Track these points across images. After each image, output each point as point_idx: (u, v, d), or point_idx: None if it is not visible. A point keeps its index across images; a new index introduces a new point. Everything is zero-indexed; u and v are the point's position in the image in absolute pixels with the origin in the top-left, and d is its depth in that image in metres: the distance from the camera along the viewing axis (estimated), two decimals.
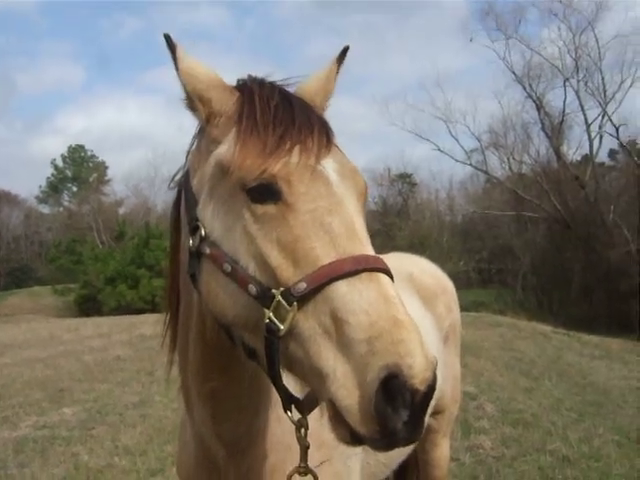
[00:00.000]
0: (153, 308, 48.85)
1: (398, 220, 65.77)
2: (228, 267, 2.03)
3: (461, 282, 50.00)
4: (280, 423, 2.51)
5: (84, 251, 61.40)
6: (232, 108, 2.17)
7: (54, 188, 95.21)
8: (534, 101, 50.05)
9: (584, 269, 44.81)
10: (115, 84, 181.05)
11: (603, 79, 46.48)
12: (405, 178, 75.17)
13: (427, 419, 1.75)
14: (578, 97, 47.70)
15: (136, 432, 9.65)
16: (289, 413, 2.01)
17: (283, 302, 1.84)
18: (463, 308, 5.07)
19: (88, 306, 54.76)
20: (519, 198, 50.33)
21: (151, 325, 24.93)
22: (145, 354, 17.77)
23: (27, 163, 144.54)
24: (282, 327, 1.83)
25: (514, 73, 50.28)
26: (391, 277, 1.87)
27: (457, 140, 54.70)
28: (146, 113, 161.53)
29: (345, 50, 2.55)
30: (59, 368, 16.17)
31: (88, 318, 42.07)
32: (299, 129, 2.03)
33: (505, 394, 11.78)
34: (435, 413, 4.21)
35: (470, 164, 55.55)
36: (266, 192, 1.95)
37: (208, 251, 2.14)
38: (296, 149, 1.98)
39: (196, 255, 2.17)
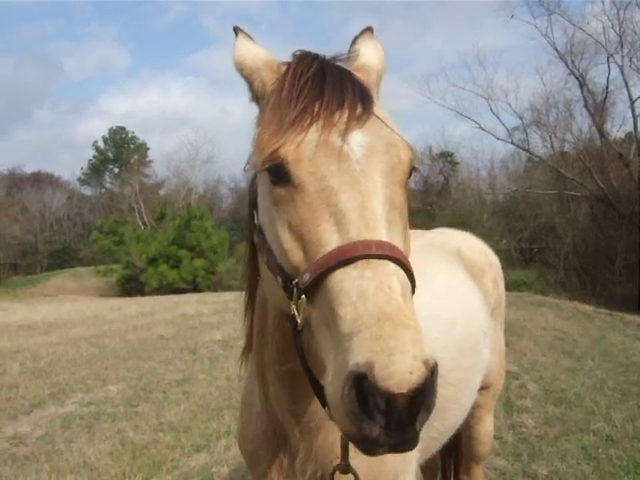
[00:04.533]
0: (194, 288, 49.54)
1: (439, 199, 65.40)
2: (265, 257, 2.04)
3: (502, 261, 48.40)
4: None
5: (126, 232, 62.13)
6: (271, 87, 2.15)
7: (96, 170, 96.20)
8: (577, 78, 49.15)
9: (627, 248, 44.18)
10: (159, 67, 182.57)
11: None
12: (446, 157, 74.66)
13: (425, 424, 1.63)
14: (622, 73, 46.65)
15: (180, 409, 9.78)
16: (326, 408, 1.82)
17: (295, 294, 1.81)
18: (505, 287, 5.03)
19: (130, 286, 55.54)
20: (561, 177, 49.63)
21: (193, 304, 25.28)
22: (188, 333, 17.99)
23: (71, 145, 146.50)
24: (299, 320, 1.81)
25: (556, 50, 49.27)
26: (401, 263, 1.76)
27: (499, 118, 54.01)
28: (189, 95, 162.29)
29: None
30: (104, 347, 16.41)
31: (131, 298, 42.58)
32: (326, 103, 1.94)
33: (548, 373, 11.72)
34: (481, 388, 4.19)
35: (512, 142, 54.88)
36: (278, 173, 1.90)
37: (256, 240, 2.16)
38: (316, 125, 1.90)
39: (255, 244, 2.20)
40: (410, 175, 2.07)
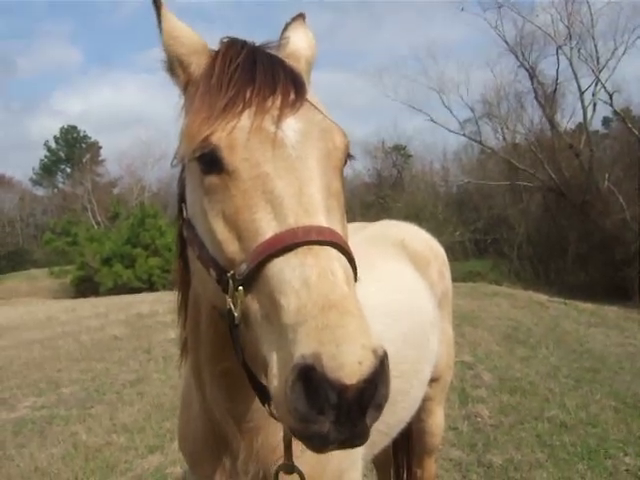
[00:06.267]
0: (150, 287, 49.11)
1: (393, 192, 65.68)
2: (197, 250, 1.97)
3: (457, 253, 49.99)
4: None
5: (79, 232, 61.26)
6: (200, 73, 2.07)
7: (48, 170, 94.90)
8: (527, 70, 49.70)
9: (580, 237, 44.82)
10: (113, 65, 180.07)
11: (596, 46, 45.91)
12: (399, 150, 75.00)
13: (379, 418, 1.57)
14: (571, 65, 47.27)
15: (134, 410, 9.67)
16: (266, 406, 1.82)
17: (232, 286, 1.74)
18: (460, 279, 5.03)
19: (85, 287, 54.77)
20: (513, 168, 50.15)
21: (148, 304, 25.01)
22: (142, 332, 17.80)
23: (24, 146, 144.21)
24: (236, 314, 1.74)
25: (506, 42, 49.79)
26: (342, 249, 1.72)
27: (450, 111, 54.57)
28: (144, 93, 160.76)
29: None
30: (57, 349, 16.15)
31: (85, 299, 42.07)
32: (257, 89, 1.89)
33: (502, 363, 11.79)
34: (431, 380, 4.19)
35: (464, 134, 55.39)
36: (210, 161, 1.84)
37: (186, 234, 2.10)
38: (248, 111, 1.85)
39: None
40: (346, 162, 2.04)
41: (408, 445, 4.85)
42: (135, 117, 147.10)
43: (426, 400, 4.26)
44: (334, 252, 1.68)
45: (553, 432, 7.89)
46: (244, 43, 2.09)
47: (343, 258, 1.71)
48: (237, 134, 1.82)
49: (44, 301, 48.05)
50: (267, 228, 1.72)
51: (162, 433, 8.44)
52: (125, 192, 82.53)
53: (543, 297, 24.10)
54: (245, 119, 1.84)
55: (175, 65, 2.15)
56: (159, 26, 2.12)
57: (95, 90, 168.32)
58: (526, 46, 49.09)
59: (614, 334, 15.20)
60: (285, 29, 2.44)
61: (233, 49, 2.03)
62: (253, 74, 1.93)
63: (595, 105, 48.11)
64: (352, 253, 1.78)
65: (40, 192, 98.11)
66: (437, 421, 4.64)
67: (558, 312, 19.45)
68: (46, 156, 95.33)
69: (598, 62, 45.76)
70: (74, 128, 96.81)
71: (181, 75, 2.15)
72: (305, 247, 1.65)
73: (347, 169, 2.10)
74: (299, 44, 2.36)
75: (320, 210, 1.76)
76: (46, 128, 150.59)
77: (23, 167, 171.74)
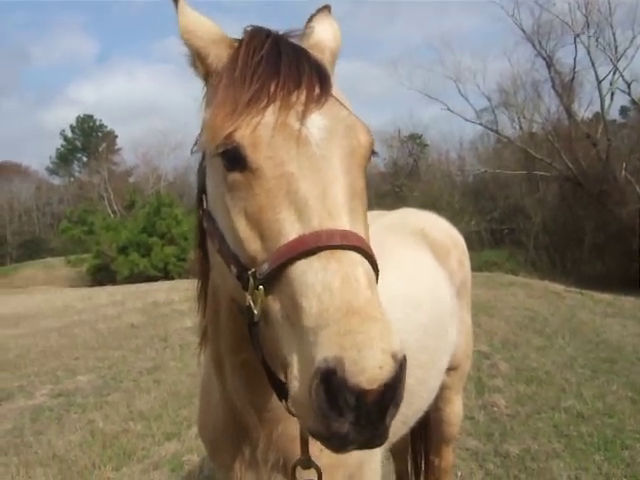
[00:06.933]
0: (165, 275, 49.33)
1: (409, 181, 65.56)
2: (217, 244, 1.95)
3: (473, 242, 49.73)
4: None
5: (95, 221, 61.54)
6: (223, 65, 2.02)
7: (64, 159, 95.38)
8: (544, 59, 49.43)
9: (596, 227, 44.66)
10: (128, 54, 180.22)
11: (614, 35, 45.63)
12: (415, 139, 74.82)
13: (395, 420, 1.58)
14: (589, 54, 46.97)
15: (151, 397, 9.72)
16: (284, 402, 1.81)
17: (252, 284, 1.73)
18: (476, 268, 4.98)
19: (101, 275, 55.12)
20: (530, 157, 49.97)
21: (164, 292, 25.11)
22: (159, 320, 17.88)
23: (41, 136, 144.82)
24: (256, 312, 1.72)
25: (523, 30, 49.55)
26: (365, 253, 1.69)
27: (467, 99, 54.49)
28: (160, 82, 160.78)
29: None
30: (74, 337, 16.28)
31: (102, 287, 42.32)
32: (282, 83, 1.84)
33: (519, 353, 11.76)
34: (449, 369, 4.17)
35: (480, 123, 55.27)
36: (233, 158, 1.80)
37: (206, 225, 2.07)
38: (273, 107, 1.80)
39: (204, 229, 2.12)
40: (369, 159, 1.99)
41: (426, 434, 4.83)
42: (151, 106, 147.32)
43: (444, 389, 4.24)
44: (357, 257, 1.66)
45: (570, 422, 7.87)
46: (268, 32, 2.03)
47: (366, 262, 1.69)
48: (261, 131, 1.78)
49: (61, 289, 48.42)
50: (290, 229, 1.70)
51: (179, 421, 8.48)
52: (141, 181, 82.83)
53: (559, 287, 23.98)
54: (269, 115, 1.80)
55: (194, 58, 2.12)
56: (178, 20, 2.11)
57: (110, 79, 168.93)
58: (543, 35, 48.87)
59: (631, 324, 15.11)
60: (310, 20, 2.38)
61: (257, 39, 1.98)
62: (278, 67, 1.88)
63: (613, 94, 47.92)
64: (374, 256, 1.75)
65: (56, 181, 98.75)
66: (455, 410, 4.62)
67: (574, 302, 19.37)
68: (62, 145, 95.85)
69: (616, 51, 45.52)
70: (90, 117, 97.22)
71: (200, 67, 2.12)
72: (328, 251, 1.63)
73: None
74: (324, 35, 2.30)
75: (344, 212, 1.73)
76: (62, 117, 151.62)
77: (39, 156, 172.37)
